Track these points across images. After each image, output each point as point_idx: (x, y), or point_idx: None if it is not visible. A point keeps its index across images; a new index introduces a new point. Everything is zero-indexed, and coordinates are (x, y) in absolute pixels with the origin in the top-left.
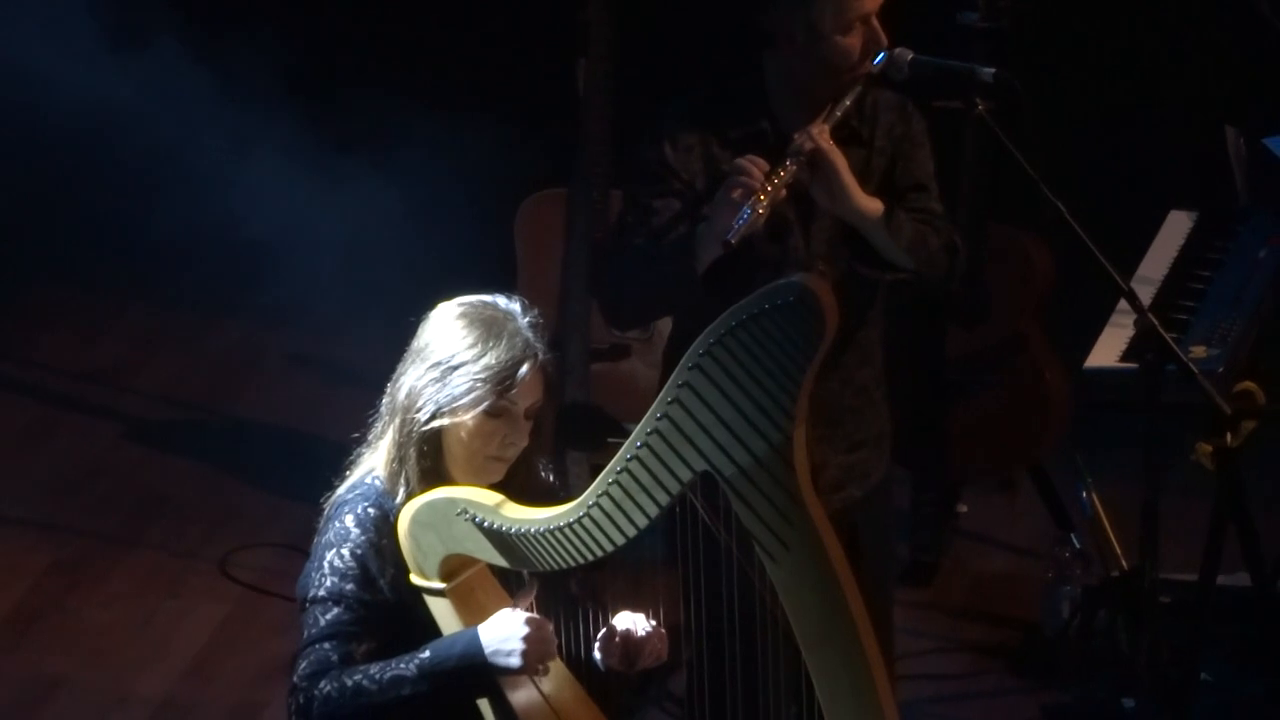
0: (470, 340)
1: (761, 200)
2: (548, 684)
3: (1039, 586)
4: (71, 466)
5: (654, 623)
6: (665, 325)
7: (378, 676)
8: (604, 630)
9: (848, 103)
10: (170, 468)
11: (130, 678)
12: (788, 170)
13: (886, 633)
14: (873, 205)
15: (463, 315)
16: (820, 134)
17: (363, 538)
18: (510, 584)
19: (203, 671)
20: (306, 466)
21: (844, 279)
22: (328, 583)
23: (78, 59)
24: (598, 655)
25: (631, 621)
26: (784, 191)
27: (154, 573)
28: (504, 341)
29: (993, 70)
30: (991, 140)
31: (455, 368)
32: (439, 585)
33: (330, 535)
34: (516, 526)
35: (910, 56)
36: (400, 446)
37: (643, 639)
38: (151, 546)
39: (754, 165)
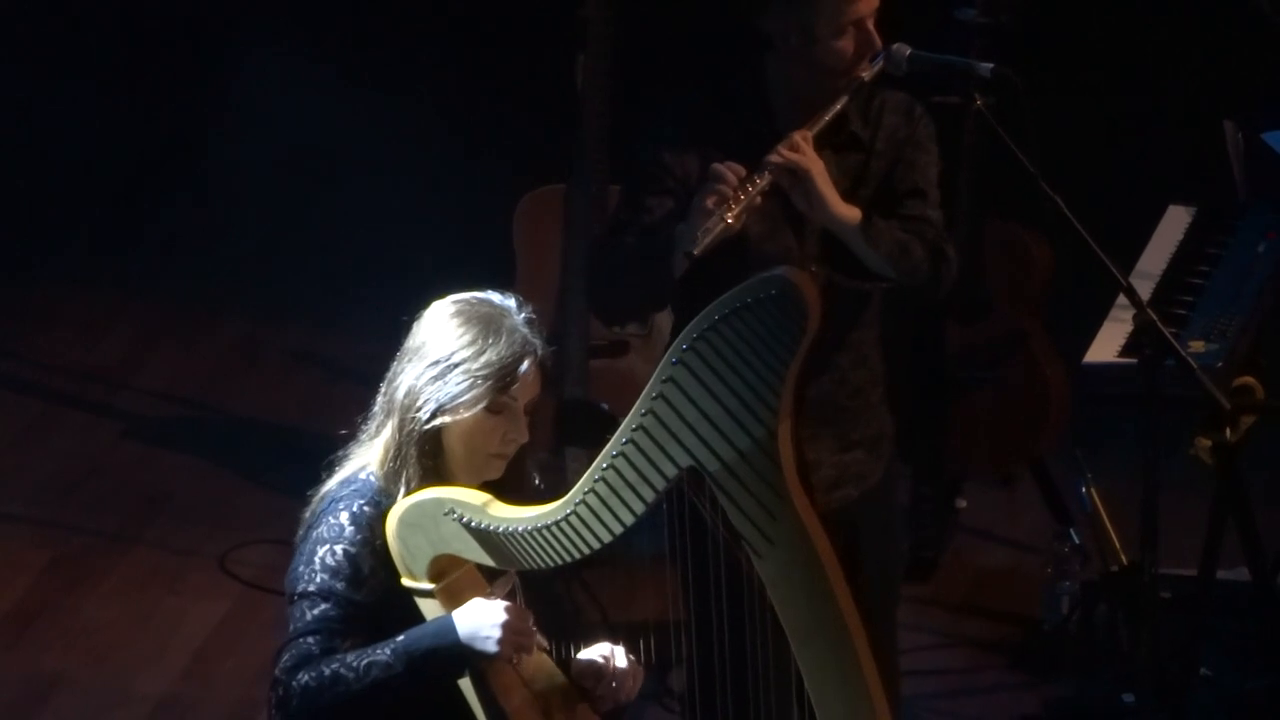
0: (469, 338)
1: (732, 209)
2: (531, 673)
3: (1039, 582)
4: (71, 464)
5: (632, 658)
6: (664, 321)
7: (354, 664)
8: (584, 661)
9: (838, 107)
10: (170, 465)
11: (130, 675)
12: (763, 179)
13: (890, 633)
14: (850, 213)
15: (458, 313)
16: (799, 142)
17: (358, 536)
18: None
19: (203, 668)
20: (306, 463)
21: (837, 280)
22: (318, 579)
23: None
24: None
25: (610, 652)
26: (759, 199)
27: (154, 570)
28: (503, 338)
29: (991, 65)
30: (990, 136)
31: (454, 366)
32: (427, 586)
33: (323, 530)
34: (503, 526)
35: (909, 52)
36: (401, 446)
37: (621, 674)
38: (151, 544)
39: (730, 171)
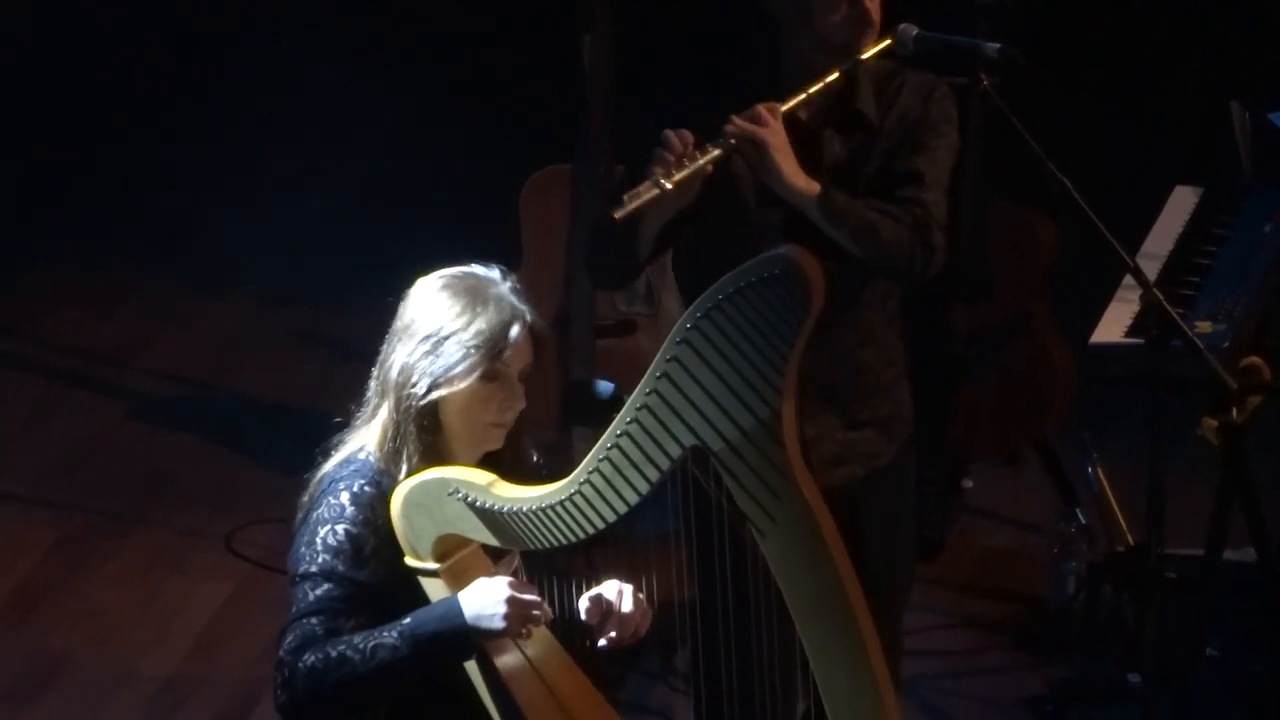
0: (457, 309)
1: (672, 175)
2: (535, 652)
3: (1044, 562)
4: (76, 444)
5: (641, 595)
6: (671, 300)
7: (361, 646)
8: (591, 595)
9: (819, 84)
10: (175, 445)
11: (135, 655)
12: (711, 150)
13: (895, 618)
14: (807, 187)
15: (445, 287)
16: (760, 113)
17: (360, 516)
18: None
19: (208, 648)
20: (311, 442)
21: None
22: (320, 559)
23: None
24: (582, 615)
25: (618, 592)
26: (710, 168)
27: (159, 550)
28: (491, 306)
29: (998, 45)
30: (996, 116)
31: (446, 338)
32: (432, 566)
33: (324, 511)
34: (508, 505)
35: (915, 32)
36: (399, 424)
37: (627, 615)
38: (156, 523)
39: (677, 139)
